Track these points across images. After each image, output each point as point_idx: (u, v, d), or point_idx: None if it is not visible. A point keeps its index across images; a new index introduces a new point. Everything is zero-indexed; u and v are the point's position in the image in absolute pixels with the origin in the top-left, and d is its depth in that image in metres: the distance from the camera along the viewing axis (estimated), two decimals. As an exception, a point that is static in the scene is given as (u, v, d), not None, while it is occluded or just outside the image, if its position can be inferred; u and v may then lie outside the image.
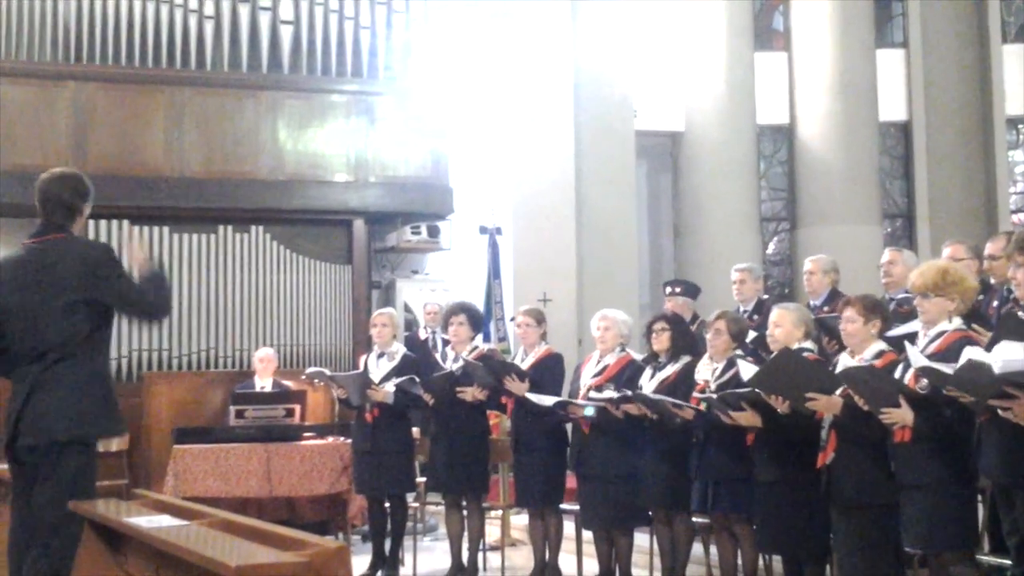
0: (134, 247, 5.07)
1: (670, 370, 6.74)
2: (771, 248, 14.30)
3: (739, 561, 6.39)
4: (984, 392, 4.34)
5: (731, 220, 13.23)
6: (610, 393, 6.79)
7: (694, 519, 6.61)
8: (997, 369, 4.24)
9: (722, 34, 13.42)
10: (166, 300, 4.88)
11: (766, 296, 8.70)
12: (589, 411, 6.79)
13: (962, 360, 4.34)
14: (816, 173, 13.52)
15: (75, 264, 4.66)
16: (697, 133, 13.43)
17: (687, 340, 6.91)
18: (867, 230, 13.07)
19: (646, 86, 13.50)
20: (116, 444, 9.76)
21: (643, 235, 13.79)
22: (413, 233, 11.69)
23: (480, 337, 8.18)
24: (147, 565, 2.88)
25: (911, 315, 5.92)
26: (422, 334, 10.18)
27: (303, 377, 8.50)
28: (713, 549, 6.64)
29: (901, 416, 4.89)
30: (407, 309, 11.87)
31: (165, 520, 2.95)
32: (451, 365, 7.55)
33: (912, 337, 5.44)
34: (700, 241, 13.26)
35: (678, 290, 8.44)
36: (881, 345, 5.45)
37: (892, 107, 14.25)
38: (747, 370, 5.81)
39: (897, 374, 5.13)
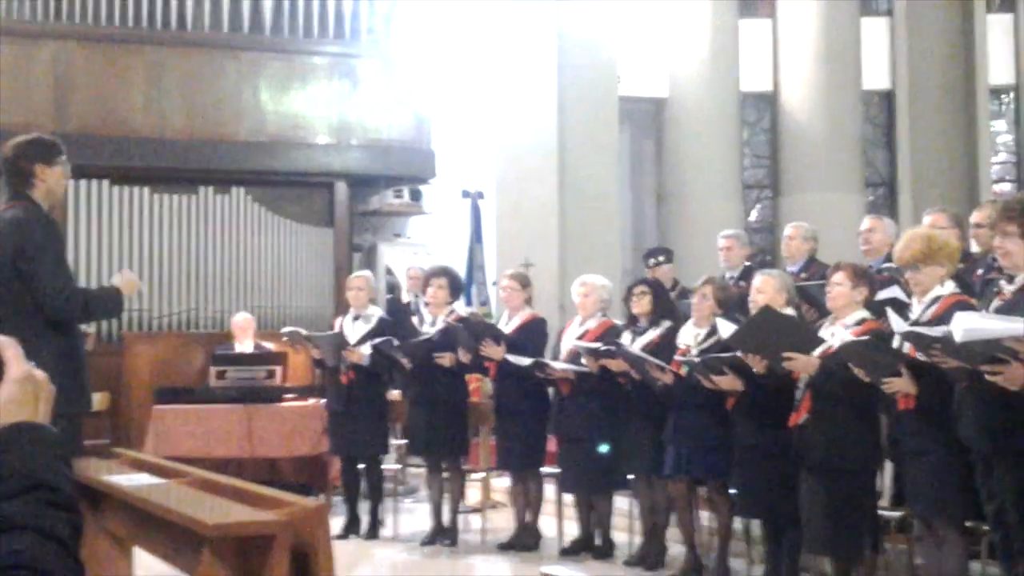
0: (128, 273, 4.99)
1: (652, 334, 6.77)
2: (753, 215, 14.32)
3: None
4: (976, 357, 4.36)
5: (714, 187, 13.24)
6: (596, 344, 6.82)
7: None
8: (958, 337, 4.27)
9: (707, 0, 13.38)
10: (78, 310, 4.69)
11: (752, 263, 8.72)
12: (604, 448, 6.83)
13: (953, 323, 4.35)
14: (799, 141, 13.53)
15: (11, 236, 4.57)
16: (681, 99, 13.41)
17: (668, 305, 6.95)
18: (849, 198, 13.10)
19: (630, 51, 13.46)
20: (97, 404, 9.79)
21: (626, 200, 13.79)
22: (395, 196, 11.67)
23: (460, 301, 8.17)
24: (127, 523, 2.89)
25: (889, 283, 5.97)
26: (404, 298, 10.17)
27: (284, 339, 8.49)
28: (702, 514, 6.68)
29: (903, 385, 4.92)
30: (389, 272, 11.86)
31: (144, 478, 2.95)
32: (428, 328, 7.55)
33: (894, 303, 5.49)
34: (683, 207, 13.27)
35: (661, 259, 8.47)
36: (864, 313, 5.48)
37: (876, 76, 14.25)
38: (727, 328, 5.84)
39: (895, 344, 5.15)
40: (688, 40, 13.39)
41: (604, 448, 6.87)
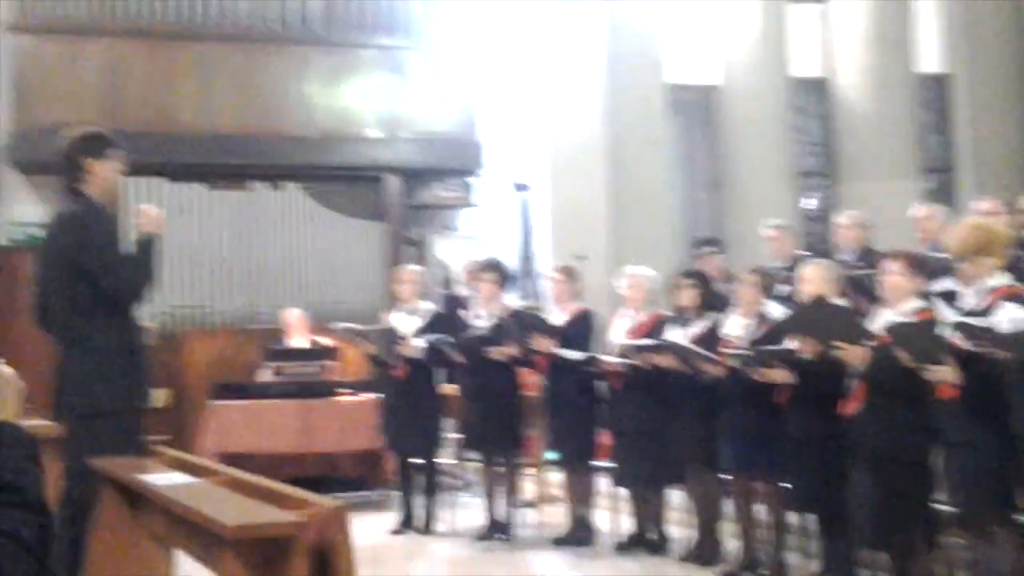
0: (148, 211, 4.91)
1: (698, 326, 6.71)
2: (808, 203, 14.10)
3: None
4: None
5: (767, 175, 13.04)
6: (643, 341, 6.77)
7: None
8: (1004, 328, 4.17)
9: (757, -16, 13.20)
10: (143, 281, 4.67)
11: (806, 253, 8.61)
12: None
13: (1000, 314, 4.25)
14: (853, 127, 13.30)
15: (68, 229, 4.59)
16: (732, 86, 13.23)
17: (714, 296, 6.88)
18: (906, 185, 12.84)
19: (680, 39, 13.32)
20: (159, 400, 9.90)
21: (677, 190, 13.65)
22: (445, 189, 11.67)
23: (509, 295, 8.14)
24: (162, 522, 2.89)
25: (943, 272, 5.85)
26: (461, 291, 10.15)
27: (338, 335, 8.52)
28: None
29: (947, 373, 4.81)
30: (444, 266, 11.85)
31: (178, 478, 2.95)
32: (479, 322, 7.52)
33: (948, 295, 5.39)
34: (735, 195, 13.10)
35: (711, 249, 8.37)
36: (919, 303, 5.37)
37: (930, 59, 13.99)
38: (777, 311, 5.76)
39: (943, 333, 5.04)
40: (738, 26, 13.21)
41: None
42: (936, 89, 14.21)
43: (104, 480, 3.42)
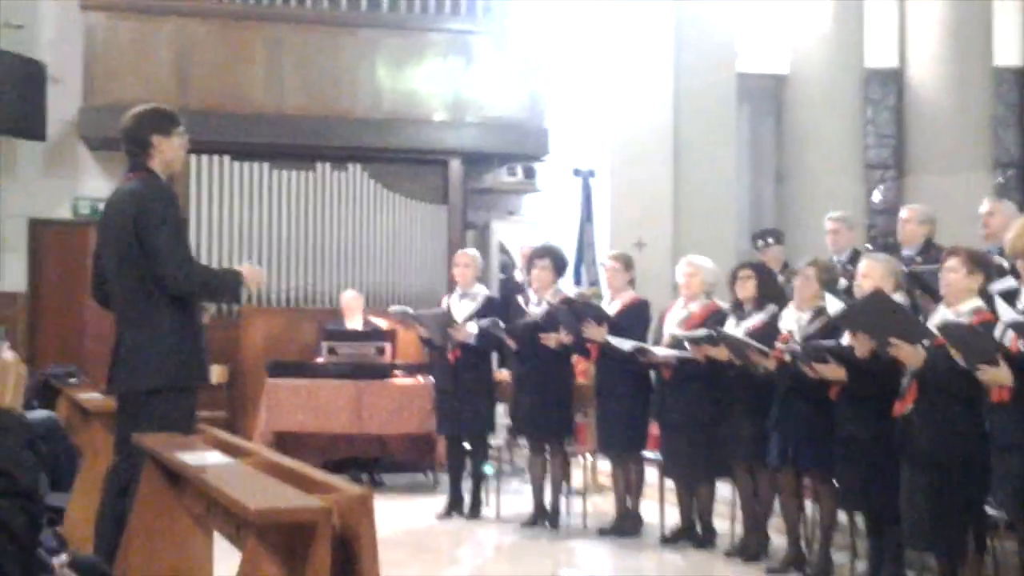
0: (255, 269, 4.92)
1: (756, 319, 6.63)
2: (876, 196, 13.92)
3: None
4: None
5: (835, 166, 12.88)
6: (696, 332, 6.72)
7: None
8: None
9: (831, -27, 13.00)
10: (196, 284, 4.64)
11: (868, 246, 8.49)
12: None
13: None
14: (925, 119, 13.07)
15: (129, 205, 4.57)
16: (802, 76, 13.07)
17: (773, 289, 6.80)
18: (977, 179, 12.59)
19: (750, 27, 13.18)
20: (216, 377, 10.01)
21: (744, 180, 13.53)
22: (509, 174, 11.68)
23: (563, 281, 8.12)
24: (200, 500, 2.92)
25: (1008, 269, 5.72)
26: (518, 276, 10.14)
27: (392, 317, 8.56)
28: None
29: (999, 375, 4.72)
30: (502, 250, 11.87)
31: (213, 457, 2.98)
32: (533, 308, 7.52)
33: (1009, 295, 5.26)
34: (802, 187, 12.95)
35: (771, 240, 8.29)
36: (979, 302, 5.24)
37: (1008, 52, 13.70)
38: (834, 305, 5.68)
39: (997, 334, 4.94)
40: (810, 14, 13.02)
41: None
42: (1012, 83, 13.91)
43: (147, 457, 3.47)
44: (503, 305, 7.96)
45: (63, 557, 2.82)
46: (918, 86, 13.19)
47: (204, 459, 2.92)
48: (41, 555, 2.71)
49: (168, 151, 4.70)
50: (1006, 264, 5.76)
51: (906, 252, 7.38)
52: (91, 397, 5.97)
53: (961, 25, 12.91)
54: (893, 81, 13.66)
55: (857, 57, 13.17)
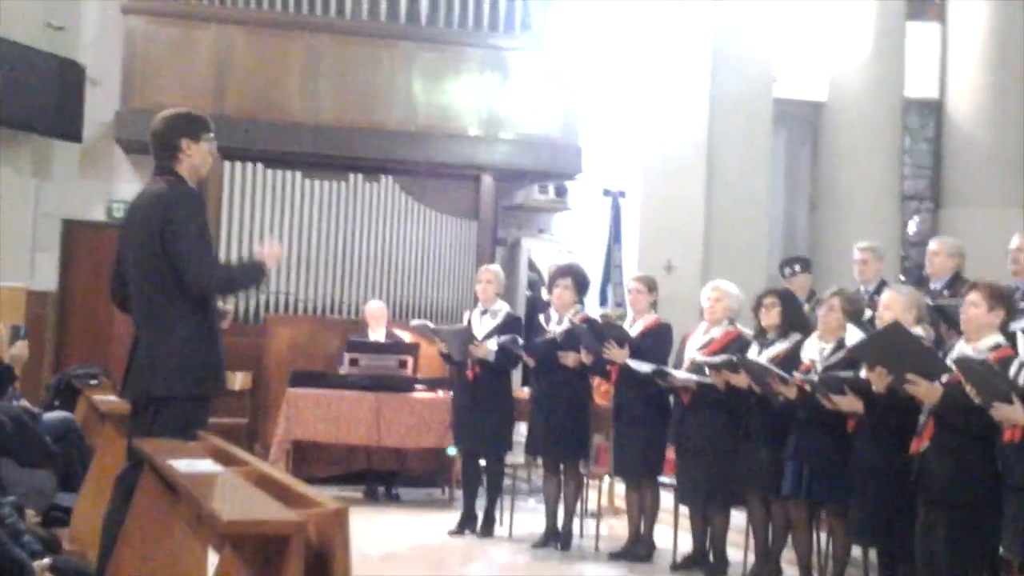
0: (272, 243, 4.87)
1: (779, 347, 6.55)
2: (911, 227, 13.80)
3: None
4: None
5: (871, 196, 12.79)
6: (717, 358, 6.66)
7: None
8: None
9: (872, 0, 12.92)
10: (221, 284, 4.65)
11: (902, 278, 8.39)
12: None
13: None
14: (964, 151, 12.96)
15: (154, 208, 4.53)
16: (840, 104, 12.99)
17: (798, 317, 6.72)
18: (1015, 213, 12.44)
19: (788, 52, 13.12)
20: (239, 383, 10.06)
21: (778, 206, 13.46)
22: (540, 192, 11.68)
23: (588, 301, 8.09)
24: (193, 508, 2.90)
25: (1031, 308, 5.64)
26: (545, 294, 10.11)
27: (413, 330, 8.56)
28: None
29: (1012, 414, 4.64)
30: (531, 267, 11.85)
31: (205, 465, 2.97)
32: (554, 328, 7.48)
33: (1030, 332, 5.18)
34: (837, 216, 12.86)
35: (798, 268, 8.22)
36: (999, 338, 5.16)
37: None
38: (853, 335, 5.61)
39: (1013, 371, 4.86)
40: (851, 42, 12.95)
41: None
42: (1055, 118, 13.74)
43: (146, 462, 3.46)
44: (526, 323, 7.93)
45: (46, 560, 2.81)
46: (957, 118, 13.08)
47: (196, 467, 2.91)
48: (20, 557, 2.71)
49: (196, 156, 4.68)
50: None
51: (934, 285, 7.30)
52: (106, 399, 5.99)
53: (1003, 57, 12.80)
54: (932, 112, 13.58)
55: (897, 86, 13.09)
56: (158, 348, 4.56)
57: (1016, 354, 5.01)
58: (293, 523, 2.22)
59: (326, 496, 2.47)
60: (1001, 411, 4.65)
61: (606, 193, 11.49)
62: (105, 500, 4.61)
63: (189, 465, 2.92)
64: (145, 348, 4.62)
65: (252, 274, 4.79)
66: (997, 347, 5.10)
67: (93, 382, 7.61)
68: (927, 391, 5.06)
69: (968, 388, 4.78)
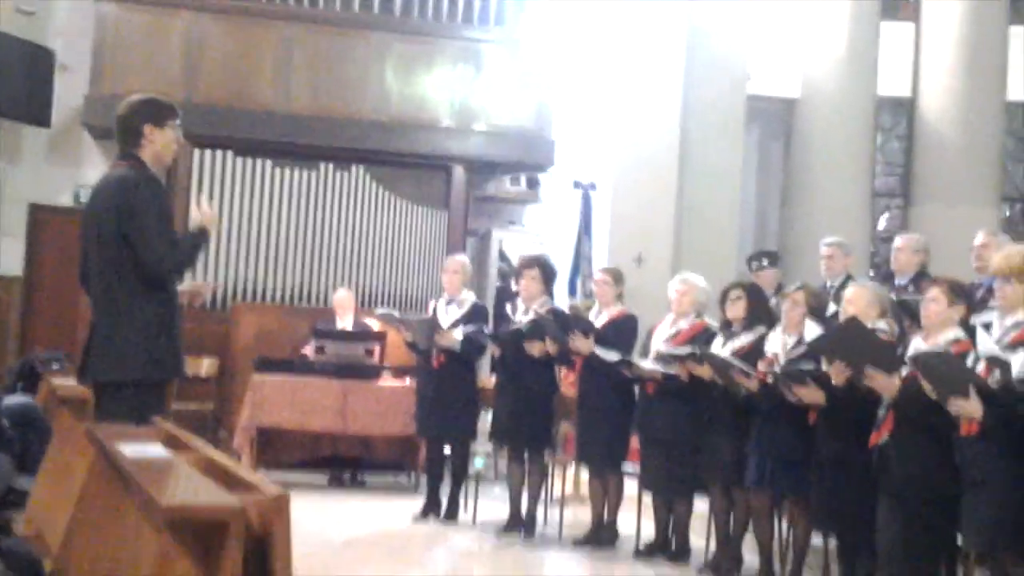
0: (204, 205, 4.86)
1: (744, 340, 6.58)
2: (882, 224, 13.88)
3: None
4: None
5: (842, 193, 12.85)
6: (681, 349, 6.69)
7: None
8: (1015, 369, 4.02)
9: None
10: (177, 264, 4.63)
11: (871, 274, 8.44)
12: None
13: (1020, 353, 4.11)
14: (935, 150, 13.04)
15: (114, 193, 4.52)
16: (814, 101, 13.04)
17: (763, 310, 6.75)
18: (984, 212, 12.55)
19: (762, 49, 13.15)
20: (205, 370, 10.04)
21: (749, 202, 13.50)
22: (512, 184, 11.66)
23: (557, 292, 8.10)
24: (135, 493, 2.88)
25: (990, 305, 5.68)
26: (515, 286, 10.11)
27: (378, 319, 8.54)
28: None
29: (969, 408, 4.67)
30: (503, 258, 11.85)
31: (153, 450, 2.95)
32: (520, 318, 7.50)
33: (989, 326, 5.22)
34: (808, 211, 12.92)
35: (765, 262, 8.25)
36: (958, 333, 5.20)
37: (1021, 86, 13.65)
38: (812, 331, 5.65)
39: (969, 363, 4.90)
40: (825, 40, 13.00)
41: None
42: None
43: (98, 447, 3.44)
44: (487, 313, 7.94)
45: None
46: (929, 116, 13.15)
47: (143, 452, 2.89)
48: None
49: (160, 142, 4.64)
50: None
51: (899, 281, 7.37)
52: (63, 383, 5.94)
53: (976, 58, 12.88)
54: (904, 110, 13.64)
55: (870, 84, 13.15)
56: (114, 333, 4.55)
57: (973, 349, 5.05)
58: (232, 509, 2.20)
59: (268, 482, 2.46)
60: (958, 405, 4.68)
61: (576, 185, 11.49)
62: (62, 484, 4.59)
63: (136, 450, 2.90)
64: (102, 333, 4.60)
65: (199, 243, 4.77)
66: (956, 341, 5.13)
67: (55, 366, 7.55)
68: (885, 384, 5.11)
69: (925, 384, 4.81)
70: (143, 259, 4.48)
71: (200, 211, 4.81)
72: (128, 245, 4.49)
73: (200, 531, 2.26)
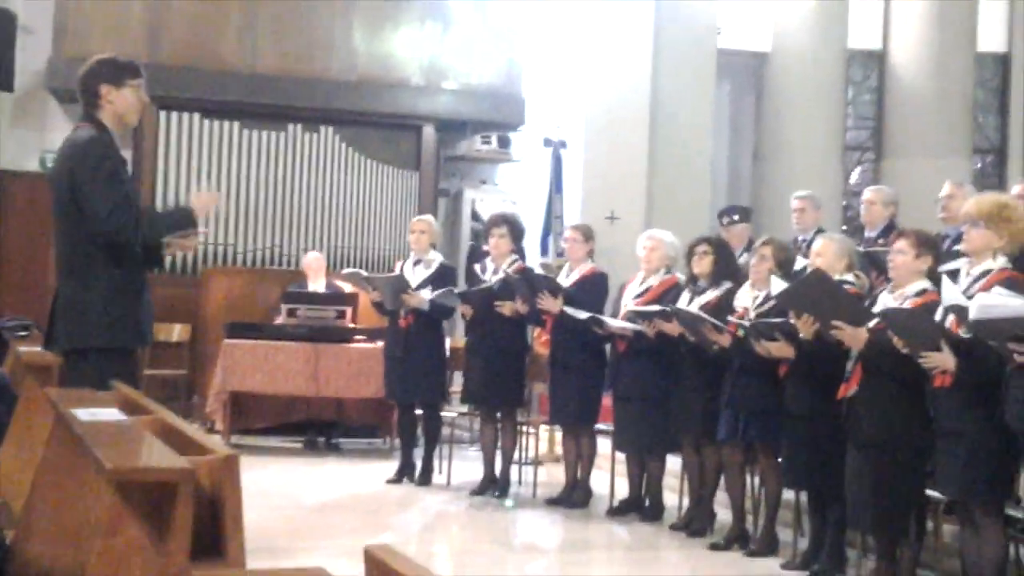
0: (204, 195, 4.79)
1: (710, 295, 6.57)
2: (854, 178, 13.87)
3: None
4: (1000, 336, 4.12)
5: (814, 147, 12.82)
6: (652, 307, 6.67)
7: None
8: (972, 313, 4.03)
9: (816, -49, 12.90)
10: (123, 226, 4.40)
11: (844, 228, 8.43)
12: None
13: (975, 298, 4.11)
14: (906, 102, 13.01)
15: (68, 156, 4.45)
16: (784, 55, 12.98)
17: (730, 265, 6.73)
18: (956, 164, 12.54)
19: (733, 2, 13.08)
20: (177, 335, 9.98)
21: (721, 157, 13.46)
22: (483, 142, 11.58)
23: (528, 251, 8.06)
24: (86, 456, 2.85)
25: (958, 255, 5.67)
26: (485, 245, 10.07)
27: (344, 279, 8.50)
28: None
29: (942, 360, 4.67)
30: (475, 218, 11.79)
31: (109, 414, 2.91)
32: (490, 277, 7.46)
33: (956, 274, 5.21)
34: (780, 166, 12.89)
35: (736, 217, 8.20)
36: (926, 283, 5.19)
37: (991, 37, 13.63)
38: (778, 286, 5.64)
39: (937, 316, 4.90)
40: (795, -7, 12.93)
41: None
42: (995, 69, 13.86)
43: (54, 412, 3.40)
44: (457, 272, 7.90)
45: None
46: (900, 69, 13.12)
47: (97, 416, 2.86)
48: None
49: (119, 103, 4.53)
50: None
51: (869, 233, 7.37)
52: (29, 350, 5.89)
53: (946, 9, 12.84)
54: (875, 63, 13.61)
55: (840, 37, 13.09)
56: (76, 299, 4.49)
57: (939, 300, 5.04)
58: (181, 470, 2.18)
59: (220, 444, 2.43)
60: (931, 359, 4.68)
61: (547, 143, 11.43)
62: (26, 452, 4.55)
63: (91, 414, 2.86)
64: (64, 299, 4.54)
65: (178, 220, 4.66)
66: (923, 292, 5.13)
67: (23, 333, 7.48)
68: (852, 337, 5.11)
69: (896, 340, 4.81)
70: (87, 217, 4.38)
71: (202, 195, 4.76)
72: (79, 209, 4.42)
73: (150, 492, 2.24)
